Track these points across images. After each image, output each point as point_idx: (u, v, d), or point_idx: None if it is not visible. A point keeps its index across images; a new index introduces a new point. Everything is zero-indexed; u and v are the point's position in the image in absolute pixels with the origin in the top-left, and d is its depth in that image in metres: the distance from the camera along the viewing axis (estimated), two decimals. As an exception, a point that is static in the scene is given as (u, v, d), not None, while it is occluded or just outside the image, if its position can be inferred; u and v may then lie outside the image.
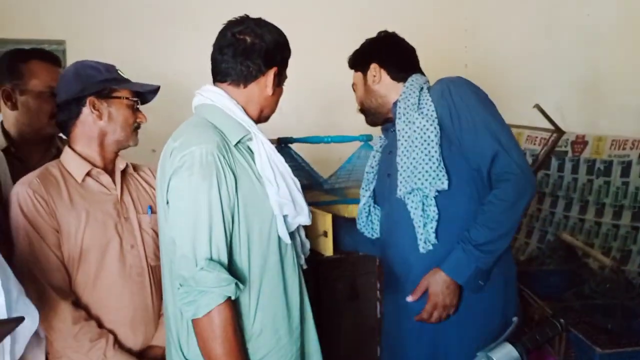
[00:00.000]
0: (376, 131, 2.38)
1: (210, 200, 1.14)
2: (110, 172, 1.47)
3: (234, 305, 1.15)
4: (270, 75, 1.27)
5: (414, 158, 1.45)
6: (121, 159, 1.50)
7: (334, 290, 1.91)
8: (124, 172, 1.50)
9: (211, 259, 1.12)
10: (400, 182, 1.47)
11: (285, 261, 1.29)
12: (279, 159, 1.26)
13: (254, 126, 1.26)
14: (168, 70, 2.61)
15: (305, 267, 1.41)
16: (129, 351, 1.38)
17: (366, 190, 1.72)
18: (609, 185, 2.58)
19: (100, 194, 1.43)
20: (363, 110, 1.68)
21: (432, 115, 1.46)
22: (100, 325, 1.36)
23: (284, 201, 1.23)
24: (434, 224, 1.44)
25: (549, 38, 2.97)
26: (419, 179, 1.43)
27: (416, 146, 1.45)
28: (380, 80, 1.61)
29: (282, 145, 2.06)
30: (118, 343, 1.37)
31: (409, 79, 1.58)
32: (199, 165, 1.14)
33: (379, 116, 1.65)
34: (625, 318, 1.81)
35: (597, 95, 2.73)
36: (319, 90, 2.94)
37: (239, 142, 1.24)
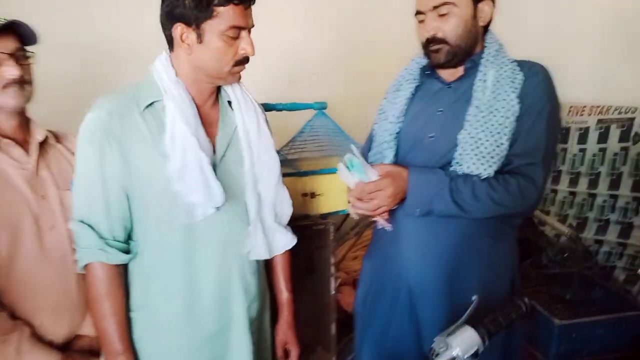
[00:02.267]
0: (332, 99, 2.24)
1: (88, 168, 1.14)
2: (23, 143, 1.29)
3: (119, 270, 1.17)
4: (177, 32, 1.14)
5: (484, 136, 1.23)
6: (39, 128, 1.32)
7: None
8: (42, 144, 1.32)
9: (82, 221, 1.14)
10: (460, 161, 1.25)
11: (196, 244, 1.19)
12: (181, 130, 1.13)
13: (176, 89, 1.17)
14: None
15: (262, 257, 1.30)
16: (50, 343, 1.23)
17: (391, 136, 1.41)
18: (565, 152, 2.56)
19: (9, 169, 1.25)
20: (439, 41, 1.30)
21: (518, 88, 1.26)
22: (17, 315, 1.21)
23: (174, 177, 1.12)
24: None
25: None
26: (482, 164, 1.23)
27: (495, 122, 1.24)
28: (486, 20, 1.33)
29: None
30: (38, 335, 1.22)
31: (489, 36, 1.35)
32: (84, 133, 1.13)
33: (458, 58, 1.32)
34: (583, 287, 1.79)
35: (556, 61, 2.67)
36: (274, 54, 2.77)
37: (148, 107, 1.15)
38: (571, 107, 2.55)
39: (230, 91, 1.27)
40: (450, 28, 1.28)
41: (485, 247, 1.31)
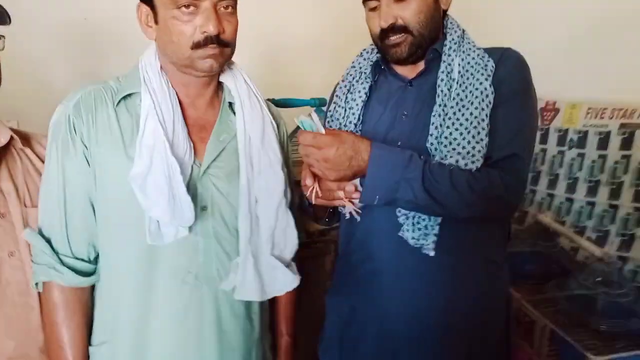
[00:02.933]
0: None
1: (50, 170, 1.00)
2: None
3: (79, 293, 1.02)
4: (140, 13, 1.01)
5: (459, 135, 1.05)
6: (3, 127, 1.07)
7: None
8: (5, 148, 1.07)
9: (40, 233, 1.01)
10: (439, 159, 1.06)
11: (158, 271, 1.01)
12: (152, 128, 0.97)
13: (157, 81, 1.01)
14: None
15: (250, 298, 1.07)
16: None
17: None
18: (583, 157, 2.34)
19: None
20: (400, 30, 1.11)
21: (490, 75, 1.09)
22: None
23: (134, 184, 0.95)
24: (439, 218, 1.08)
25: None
26: (463, 163, 1.04)
27: (469, 116, 1.05)
28: (448, 3, 1.16)
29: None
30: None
31: (449, 22, 1.19)
32: (50, 129, 1.02)
33: (422, 50, 1.14)
34: (618, 316, 1.57)
35: (572, 56, 2.46)
36: (268, 43, 2.52)
37: (123, 100, 1.01)
38: (589, 108, 2.34)
39: (234, 91, 1.06)
40: (412, 14, 1.09)
41: (483, 276, 1.13)
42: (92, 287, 1.05)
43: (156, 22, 0.98)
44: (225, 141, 1.06)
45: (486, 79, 1.07)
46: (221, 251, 1.04)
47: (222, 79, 1.09)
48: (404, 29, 1.09)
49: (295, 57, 2.46)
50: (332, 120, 1.23)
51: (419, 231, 1.06)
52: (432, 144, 1.07)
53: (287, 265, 1.10)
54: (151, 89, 0.99)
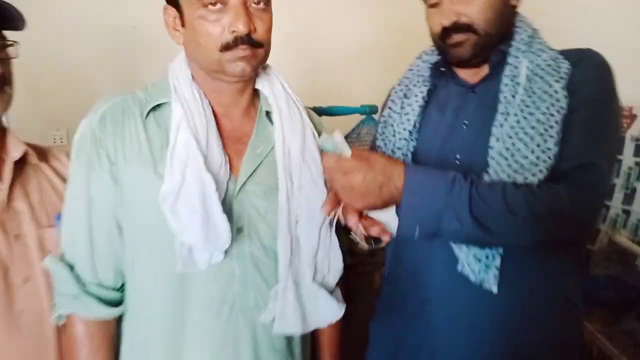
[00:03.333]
0: (382, 101, 1.93)
1: (74, 189, 0.92)
2: None
3: (104, 327, 0.93)
4: (166, 17, 0.94)
5: (523, 146, 0.91)
6: (17, 141, 1.02)
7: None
8: (20, 163, 1.01)
9: (62, 259, 0.92)
10: (495, 173, 0.93)
11: (190, 302, 0.91)
12: (185, 141, 0.88)
13: (188, 89, 0.93)
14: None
15: (291, 332, 0.96)
16: None
17: None
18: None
19: None
20: (463, 29, 0.98)
21: (564, 78, 0.94)
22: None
23: (164, 204, 0.85)
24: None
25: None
26: (517, 170, 0.91)
27: (534, 123, 0.92)
28: (519, 1, 1.03)
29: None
30: None
31: (518, 19, 1.04)
32: (74, 144, 0.93)
33: (487, 52, 1.01)
34: None
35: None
36: (312, 48, 2.43)
37: (152, 111, 0.93)
38: None
39: (271, 98, 0.96)
40: (477, 10, 0.97)
41: (553, 316, 0.98)
42: (118, 320, 0.97)
43: (183, 24, 0.90)
44: (262, 154, 0.96)
45: (557, 81, 0.93)
46: (259, 278, 0.94)
47: (257, 85, 0.99)
48: (467, 28, 0.97)
49: (342, 62, 2.35)
50: (386, 127, 1.12)
51: (478, 263, 0.93)
52: (493, 157, 0.93)
53: (331, 292, 0.99)
54: (182, 98, 0.91)
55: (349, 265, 1.35)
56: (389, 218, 0.89)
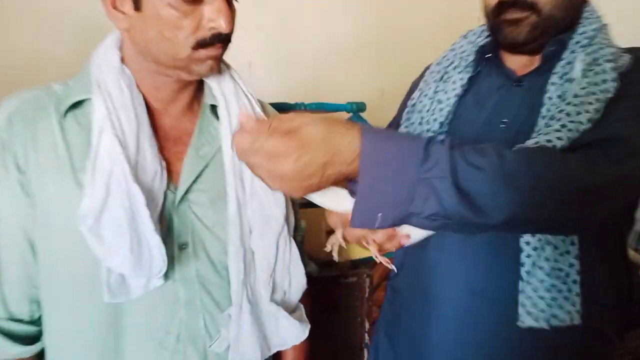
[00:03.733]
0: (370, 98, 1.82)
1: None
2: None
3: None
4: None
5: (560, 138, 0.73)
6: None
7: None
8: None
9: None
10: None
11: (125, 335, 0.77)
12: (108, 145, 0.73)
13: (114, 81, 0.77)
14: None
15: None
16: None
17: None
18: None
19: None
20: (524, 6, 0.84)
21: (621, 66, 0.79)
22: None
23: (84, 223, 0.70)
24: None
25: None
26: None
27: (576, 101, 0.77)
28: None
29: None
30: None
31: (586, 9, 0.90)
32: None
33: (545, 37, 0.86)
34: None
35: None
36: (301, 42, 2.31)
37: (72, 109, 0.77)
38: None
39: (216, 90, 0.84)
40: None
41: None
42: (38, 357, 0.81)
43: (137, 7, 0.73)
44: (207, 156, 0.83)
45: (613, 69, 0.78)
46: (209, 301, 0.81)
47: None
48: (530, 5, 0.83)
49: (326, 56, 2.23)
50: (413, 112, 0.98)
51: (547, 293, 0.79)
52: None
53: (293, 311, 0.88)
54: (106, 93, 0.76)
55: (331, 277, 1.24)
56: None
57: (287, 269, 0.87)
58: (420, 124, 0.94)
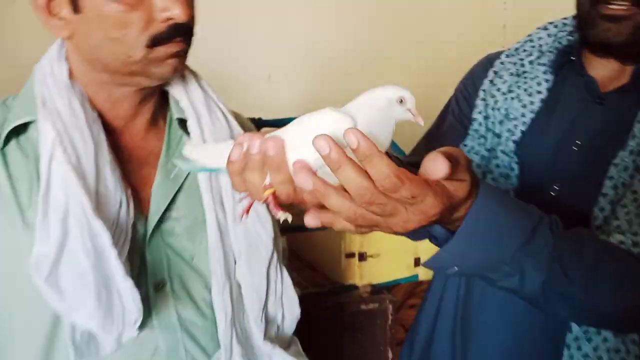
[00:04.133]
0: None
1: None
2: None
3: None
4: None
5: None
6: None
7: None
8: None
9: None
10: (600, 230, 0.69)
11: None
12: (62, 176, 0.63)
13: (63, 99, 0.67)
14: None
15: None
16: None
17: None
18: None
19: None
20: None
21: None
22: None
23: (38, 273, 0.60)
24: None
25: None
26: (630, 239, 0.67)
27: None
28: None
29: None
30: None
31: None
32: None
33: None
34: None
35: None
36: (323, 54, 2.27)
37: (14, 135, 0.67)
38: None
39: (184, 102, 0.75)
40: None
41: None
42: None
43: (76, 9, 0.65)
44: (179, 178, 0.74)
45: None
46: (194, 347, 0.72)
47: (166, 86, 0.76)
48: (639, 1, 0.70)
49: (352, 69, 2.18)
50: (476, 122, 0.84)
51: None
52: (602, 209, 0.69)
53: (288, 346, 0.79)
54: (54, 113, 0.66)
55: (350, 302, 1.18)
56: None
57: (279, 301, 0.77)
58: (481, 136, 0.83)
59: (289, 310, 0.79)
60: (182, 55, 0.68)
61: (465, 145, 0.84)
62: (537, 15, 2.69)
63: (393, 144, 1.60)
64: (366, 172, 0.46)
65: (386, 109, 0.53)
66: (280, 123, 1.42)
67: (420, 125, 0.54)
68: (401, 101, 0.53)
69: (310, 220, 0.51)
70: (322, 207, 0.50)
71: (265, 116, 1.49)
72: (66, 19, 0.66)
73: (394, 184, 0.45)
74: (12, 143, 0.68)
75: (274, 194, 0.51)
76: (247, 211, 0.56)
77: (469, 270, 0.63)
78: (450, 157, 0.49)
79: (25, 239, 0.63)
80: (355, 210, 0.48)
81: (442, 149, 0.51)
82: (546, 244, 0.59)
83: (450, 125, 0.90)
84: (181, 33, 0.66)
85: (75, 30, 0.66)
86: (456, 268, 0.60)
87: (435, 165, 0.48)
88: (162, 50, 0.65)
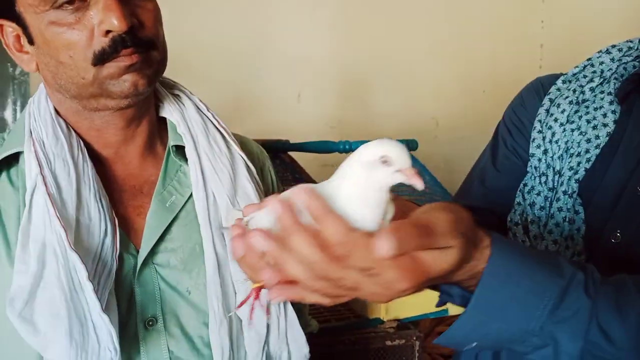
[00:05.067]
0: (423, 129, 1.74)
1: None
2: None
3: None
4: (7, 36, 0.67)
5: None
6: None
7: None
8: None
9: None
10: None
11: None
12: (41, 210, 0.62)
13: (47, 128, 0.67)
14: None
15: None
16: None
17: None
18: None
19: None
20: None
21: None
22: None
23: (12, 308, 0.59)
24: None
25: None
26: None
27: None
28: None
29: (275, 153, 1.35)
30: None
31: None
32: None
33: None
34: None
35: None
36: (351, 72, 2.24)
37: (4, 167, 0.67)
38: None
39: (182, 127, 0.73)
40: None
41: None
42: None
43: (30, 41, 0.65)
44: (175, 207, 0.71)
45: None
46: None
47: (162, 112, 0.74)
48: None
49: (380, 87, 2.14)
50: (538, 147, 0.75)
51: None
52: None
53: None
54: (39, 142, 0.66)
55: (375, 338, 1.11)
56: None
57: (283, 338, 0.72)
58: (536, 178, 0.74)
59: (295, 347, 0.73)
60: (140, 68, 0.64)
61: (525, 185, 0.75)
62: (575, 34, 2.64)
63: (437, 185, 1.53)
64: (322, 243, 0.41)
65: (365, 176, 0.44)
66: (306, 147, 1.40)
67: (418, 189, 0.44)
68: (385, 162, 0.44)
69: (273, 294, 0.45)
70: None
71: (296, 135, 1.46)
72: (30, 52, 0.66)
73: (344, 251, 0.41)
74: (3, 175, 0.67)
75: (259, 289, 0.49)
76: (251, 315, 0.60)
77: (490, 345, 0.56)
78: (418, 226, 0.43)
79: (11, 276, 0.61)
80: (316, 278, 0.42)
81: (419, 211, 0.46)
82: (581, 308, 0.51)
83: (504, 158, 0.80)
84: (129, 44, 0.62)
85: (37, 61, 0.66)
86: (475, 344, 0.53)
87: (378, 243, 0.41)
88: (113, 66, 0.62)
